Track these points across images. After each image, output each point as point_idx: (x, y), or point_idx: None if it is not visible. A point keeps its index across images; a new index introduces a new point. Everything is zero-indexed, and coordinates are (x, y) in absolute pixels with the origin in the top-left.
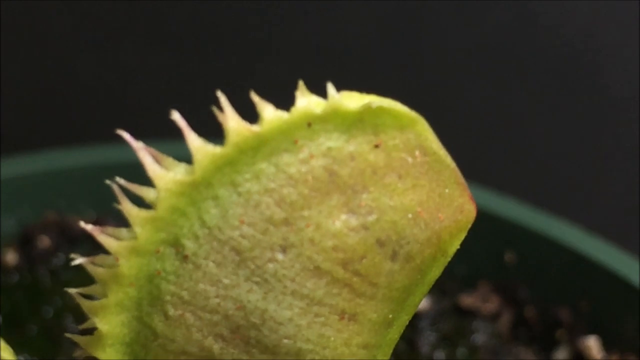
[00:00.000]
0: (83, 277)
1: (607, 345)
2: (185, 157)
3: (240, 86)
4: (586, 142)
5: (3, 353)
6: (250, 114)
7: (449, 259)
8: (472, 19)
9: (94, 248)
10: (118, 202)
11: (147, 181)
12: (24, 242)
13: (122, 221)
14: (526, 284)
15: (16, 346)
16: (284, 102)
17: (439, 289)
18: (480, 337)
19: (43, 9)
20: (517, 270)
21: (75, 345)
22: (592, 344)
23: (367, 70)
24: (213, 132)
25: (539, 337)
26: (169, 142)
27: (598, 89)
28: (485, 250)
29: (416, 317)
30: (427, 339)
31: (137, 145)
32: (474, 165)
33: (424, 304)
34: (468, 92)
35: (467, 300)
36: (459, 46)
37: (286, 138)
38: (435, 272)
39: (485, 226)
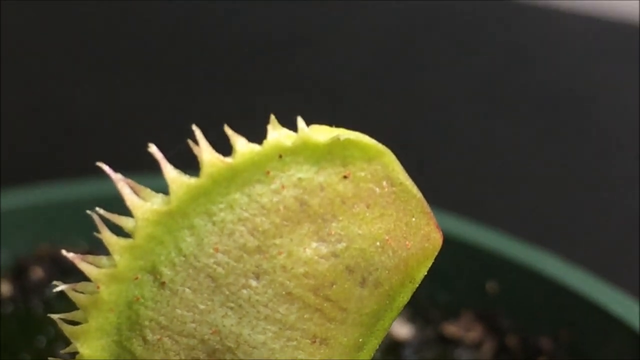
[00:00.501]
0: (76, 308)
1: None
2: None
3: (235, 121)
4: (570, 176)
5: None
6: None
7: (417, 285)
8: (464, 53)
9: (86, 279)
10: (98, 232)
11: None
12: (18, 274)
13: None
14: (508, 313)
15: None
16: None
17: (422, 318)
18: None
19: (43, 47)
20: (499, 299)
21: None
22: None
23: (357, 102)
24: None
25: None
26: (159, 175)
27: (586, 123)
28: (468, 279)
29: (400, 346)
30: None
31: (116, 177)
32: (457, 197)
33: (407, 332)
34: (457, 126)
35: (450, 328)
36: (452, 80)
37: (258, 169)
38: (404, 298)
39: (468, 256)
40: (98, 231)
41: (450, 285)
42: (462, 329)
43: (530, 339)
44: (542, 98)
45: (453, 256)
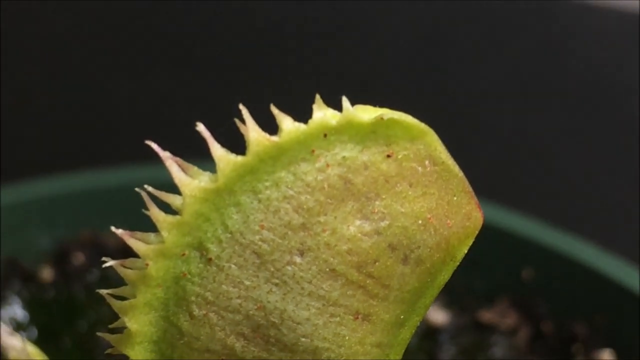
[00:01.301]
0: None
1: (622, 357)
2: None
3: (263, 104)
4: (605, 167)
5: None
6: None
7: (458, 263)
8: (497, 47)
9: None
10: (147, 209)
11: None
12: (60, 259)
13: None
14: (543, 299)
15: (51, 358)
16: (303, 119)
17: (458, 305)
18: (498, 351)
19: (84, 39)
20: (535, 286)
21: (108, 357)
22: (607, 356)
23: (388, 91)
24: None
25: (556, 350)
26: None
27: (622, 116)
28: (503, 267)
29: (436, 332)
30: (447, 352)
31: (164, 155)
32: (493, 187)
33: (444, 318)
34: (492, 115)
35: (486, 315)
36: (485, 74)
37: (304, 148)
38: (445, 276)
39: (504, 244)
40: (138, 217)
41: (486, 273)
42: (498, 315)
43: (565, 325)
44: (577, 91)
45: (489, 243)
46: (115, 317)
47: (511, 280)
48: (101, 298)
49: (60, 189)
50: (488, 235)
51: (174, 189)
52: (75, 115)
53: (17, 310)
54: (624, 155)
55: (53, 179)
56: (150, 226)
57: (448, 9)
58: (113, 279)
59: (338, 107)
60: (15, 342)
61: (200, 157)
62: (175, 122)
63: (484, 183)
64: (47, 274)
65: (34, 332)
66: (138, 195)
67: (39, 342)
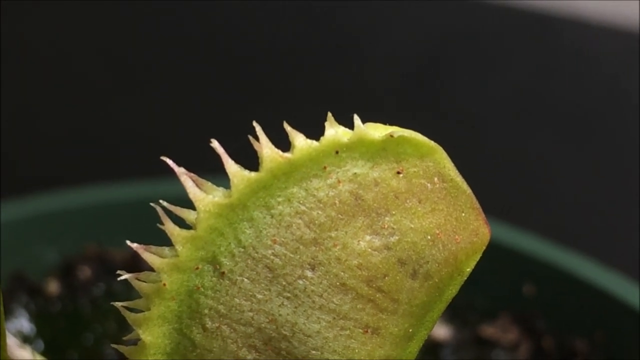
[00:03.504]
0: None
1: None
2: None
3: (268, 121)
4: (604, 180)
5: None
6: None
7: (465, 278)
8: (498, 66)
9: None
10: (158, 224)
11: (174, 219)
12: (66, 273)
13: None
14: (544, 315)
15: None
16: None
17: (460, 320)
18: None
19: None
20: (536, 302)
21: None
22: None
23: (390, 113)
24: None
25: None
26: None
27: (622, 135)
28: (505, 282)
29: (438, 346)
30: None
31: (179, 170)
32: (495, 202)
33: (445, 333)
34: (492, 133)
35: (488, 330)
36: (487, 93)
37: (316, 164)
38: (452, 290)
39: (505, 259)
40: (143, 232)
41: (487, 288)
42: (499, 330)
43: (566, 341)
44: (577, 110)
45: (491, 259)
46: (121, 330)
47: (512, 296)
48: (107, 312)
49: (66, 204)
50: (489, 251)
51: (181, 204)
52: (83, 130)
53: (23, 323)
54: (626, 173)
55: (59, 194)
56: (156, 241)
57: (451, 27)
58: (119, 293)
59: (342, 124)
60: (25, 355)
61: (206, 173)
62: (179, 139)
63: (484, 200)
64: (53, 287)
65: (41, 344)
66: (144, 210)
67: (46, 355)
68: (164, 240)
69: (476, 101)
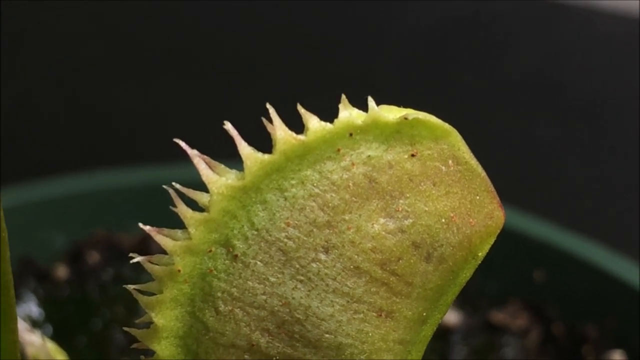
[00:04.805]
0: (131, 292)
1: (632, 359)
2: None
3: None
4: (619, 166)
5: (58, 356)
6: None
7: (479, 262)
8: (503, 53)
9: (140, 263)
10: (174, 206)
11: (188, 200)
12: (74, 258)
13: None
14: (554, 301)
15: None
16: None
17: (470, 306)
18: (509, 352)
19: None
20: (546, 288)
21: (122, 355)
22: (618, 357)
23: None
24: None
25: (567, 352)
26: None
27: (626, 123)
28: (515, 268)
29: (448, 332)
30: (458, 352)
31: (192, 153)
32: (503, 187)
33: (455, 319)
34: (501, 118)
35: (498, 316)
36: (492, 81)
37: (329, 147)
38: (466, 274)
39: (515, 245)
40: (152, 217)
41: (498, 274)
42: (509, 316)
43: (576, 327)
44: (581, 98)
45: (501, 245)
46: (130, 315)
47: (523, 282)
48: (115, 297)
49: (75, 189)
50: (500, 237)
51: (192, 188)
52: (91, 114)
53: (32, 307)
54: (635, 160)
55: (68, 179)
56: (165, 225)
57: (454, 14)
58: (128, 278)
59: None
60: (35, 339)
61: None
62: (188, 124)
63: (494, 185)
64: (61, 272)
65: (49, 329)
66: (152, 194)
67: (54, 340)
68: (173, 225)
69: (484, 87)
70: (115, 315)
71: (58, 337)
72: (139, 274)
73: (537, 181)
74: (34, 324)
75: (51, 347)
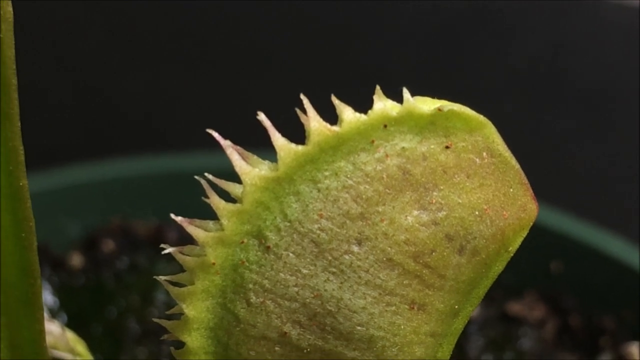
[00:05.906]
0: (146, 280)
1: None
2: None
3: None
4: (625, 156)
5: (78, 346)
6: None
7: (511, 254)
8: (510, 45)
9: (156, 252)
10: (206, 197)
11: (202, 193)
12: (90, 246)
13: (181, 229)
14: (571, 292)
15: None
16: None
17: (487, 297)
18: (526, 343)
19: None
20: (563, 279)
21: (137, 344)
22: (635, 350)
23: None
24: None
25: (583, 343)
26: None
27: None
28: (532, 260)
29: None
30: (475, 343)
31: (225, 143)
32: None
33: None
34: (509, 110)
35: (515, 307)
36: (499, 72)
37: (364, 138)
38: (499, 267)
39: (532, 237)
40: (167, 206)
41: (514, 265)
42: (526, 307)
43: (593, 319)
44: (588, 88)
45: None
46: (145, 304)
47: (540, 273)
48: (130, 285)
49: (91, 177)
50: None
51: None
52: (103, 102)
53: (47, 296)
54: None
55: (84, 167)
56: (180, 212)
57: (462, 6)
58: (142, 267)
59: (352, 100)
60: (54, 328)
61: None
62: (220, 114)
63: None
64: (77, 260)
65: (64, 317)
66: (167, 183)
67: (69, 328)
68: (190, 214)
69: (491, 78)
70: (130, 303)
71: (73, 326)
72: (154, 263)
73: (551, 172)
74: (49, 312)
75: (70, 336)
